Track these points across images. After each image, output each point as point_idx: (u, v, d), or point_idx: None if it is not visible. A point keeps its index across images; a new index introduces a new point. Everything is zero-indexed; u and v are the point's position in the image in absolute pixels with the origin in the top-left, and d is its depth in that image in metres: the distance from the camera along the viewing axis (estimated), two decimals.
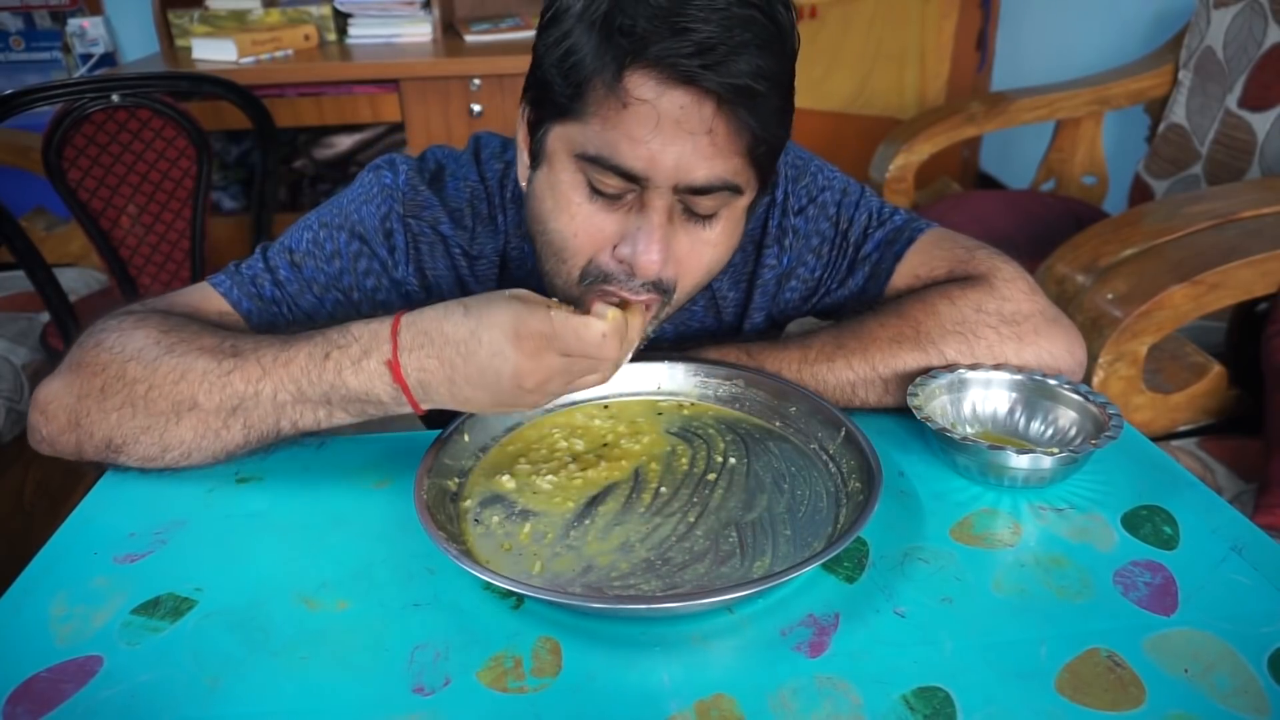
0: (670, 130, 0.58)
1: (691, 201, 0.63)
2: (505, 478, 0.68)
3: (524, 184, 0.70)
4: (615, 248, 0.64)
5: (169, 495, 0.70)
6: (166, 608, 0.58)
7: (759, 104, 0.60)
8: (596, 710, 0.50)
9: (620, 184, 0.61)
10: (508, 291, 0.60)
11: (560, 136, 0.63)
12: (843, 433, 0.69)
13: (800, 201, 0.82)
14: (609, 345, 0.60)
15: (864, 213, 0.82)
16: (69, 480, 1.81)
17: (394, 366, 0.59)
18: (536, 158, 0.67)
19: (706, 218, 0.65)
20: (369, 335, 0.60)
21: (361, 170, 0.79)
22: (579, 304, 0.65)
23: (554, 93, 0.61)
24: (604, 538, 0.62)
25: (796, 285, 0.84)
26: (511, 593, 0.59)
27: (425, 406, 0.61)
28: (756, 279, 0.83)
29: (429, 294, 0.79)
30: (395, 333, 0.59)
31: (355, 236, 0.75)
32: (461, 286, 0.80)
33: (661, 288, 0.66)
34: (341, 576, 0.61)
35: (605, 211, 0.63)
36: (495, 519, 0.64)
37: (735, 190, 0.63)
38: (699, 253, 0.66)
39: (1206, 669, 0.52)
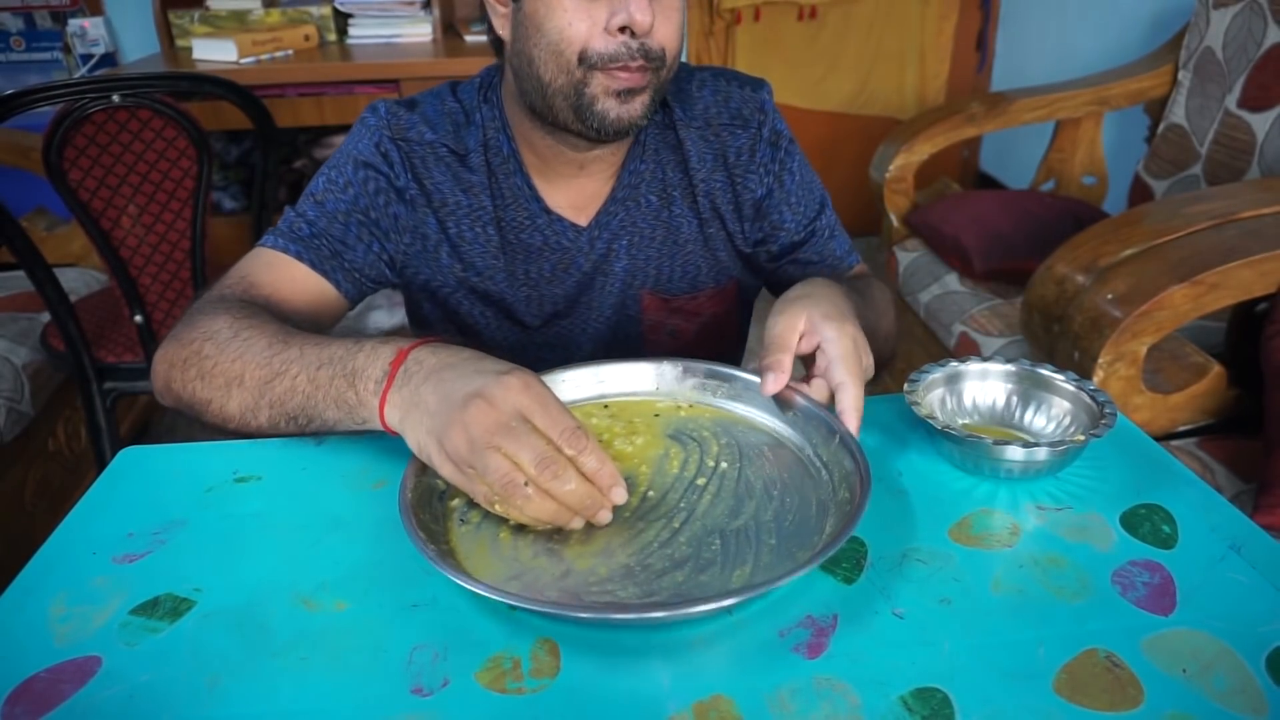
0: None
1: None
2: None
3: (503, 33, 0.82)
4: (607, 27, 0.74)
5: (168, 495, 0.70)
6: (165, 608, 0.58)
7: None
8: (595, 712, 0.50)
9: None
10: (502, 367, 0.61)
11: None
12: (836, 439, 0.68)
13: (792, 170, 0.94)
14: (575, 439, 0.57)
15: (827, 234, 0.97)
16: (69, 480, 1.81)
17: (402, 352, 0.63)
18: None
19: None
20: (406, 339, 0.65)
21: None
22: (580, 91, 0.76)
23: None
24: (585, 541, 0.61)
25: (772, 226, 0.95)
26: None
27: (389, 403, 0.63)
28: (742, 196, 0.93)
29: (429, 200, 0.87)
30: (427, 341, 0.64)
31: (359, 165, 0.85)
32: (460, 187, 0.88)
33: (650, 54, 0.75)
34: (340, 577, 0.61)
35: (590, 1, 0.74)
36: (478, 517, 0.64)
37: None
38: (671, 18, 0.77)
39: (1205, 669, 0.52)
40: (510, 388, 0.57)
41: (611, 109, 0.77)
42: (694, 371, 0.78)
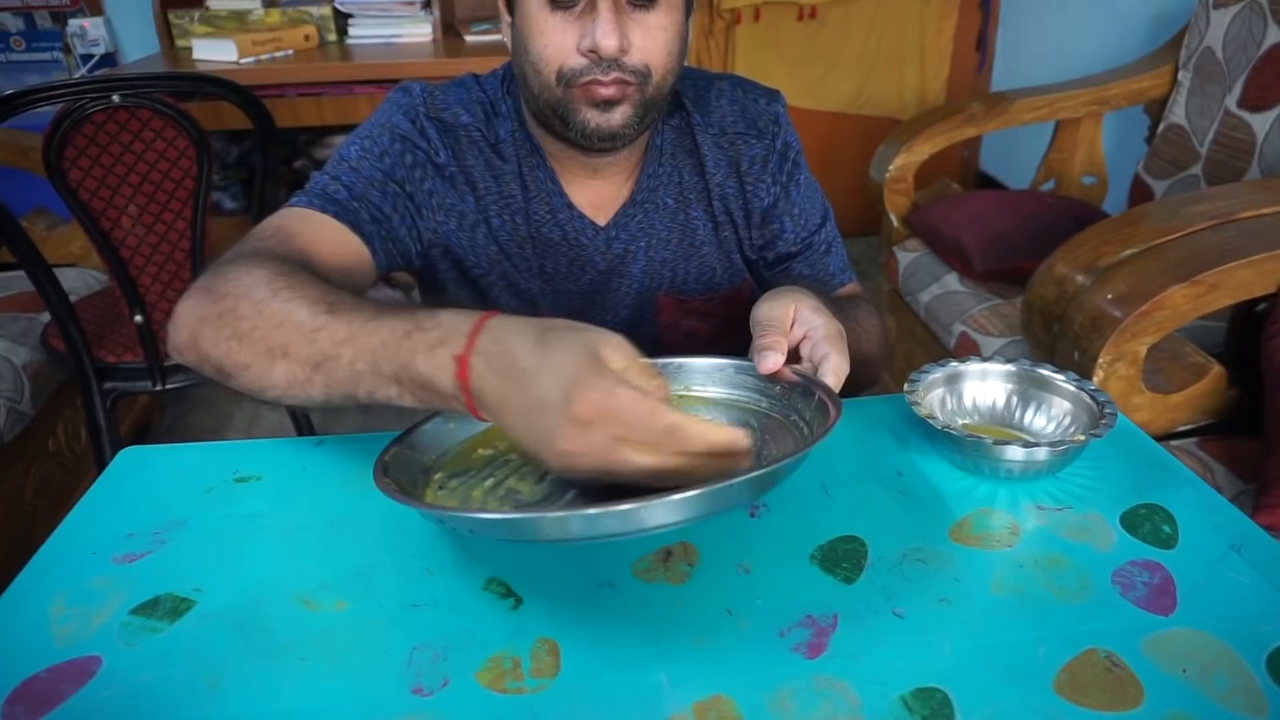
0: None
1: None
2: (484, 450, 0.68)
3: (507, 42, 0.85)
4: (578, 47, 0.77)
5: (168, 495, 0.70)
6: (165, 608, 0.58)
7: None
8: (595, 711, 0.50)
9: None
10: (592, 334, 0.54)
11: None
12: (815, 398, 0.67)
13: (796, 185, 0.96)
14: (674, 438, 0.50)
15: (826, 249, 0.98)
16: (69, 480, 1.81)
17: (462, 363, 0.55)
18: (510, 5, 0.82)
19: (648, 4, 0.77)
20: (450, 325, 0.57)
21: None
22: (563, 105, 0.79)
23: None
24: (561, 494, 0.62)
25: (773, 234, 0.96)
26: (511, 593, 0.59)
27: (482, 414, 0.57)
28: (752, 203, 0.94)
29: (469, 179, 0.88)
30: (475, 332, 0.56)
31: (396, 138, 0.85)
32: (491, 173, 0.88)
33: (630, 70, 0.77)
34: (340, 577, 0.61)
35: (565, 21, 0.77)
36: (455, 483, 0.65)
37: None
38: (654, 37, 0.78)
39: (1205, 669, 0.52)
40: (584, 423, 0.50)
41: (591, 119, 0.79)
42: (656, 366, 0.77)
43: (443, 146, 0.86)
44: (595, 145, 0.81)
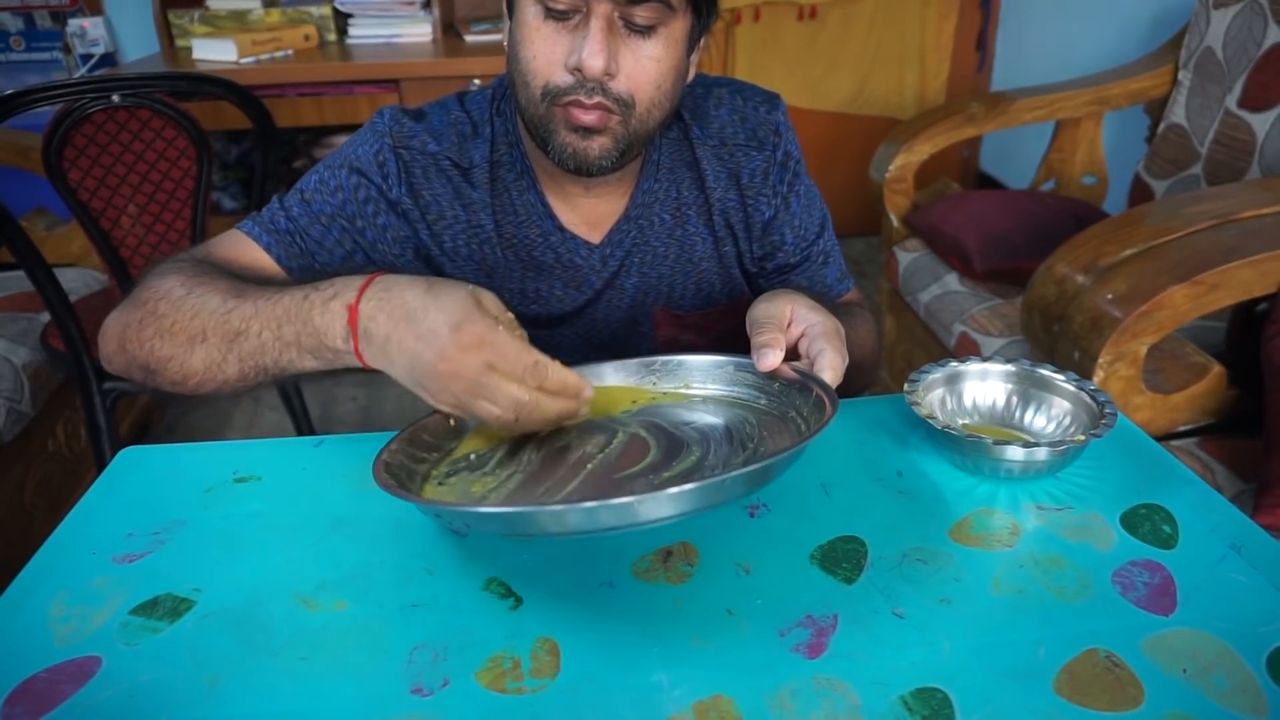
0: None
1: (629, 13, 0.73)
2: (484, 445, 0.69)
3: (506, 44, 0.82)
4: (567, 62, 0.74)
5: (168, 495, 0.70)
6: (165, 608, 0.58)
7: None
8: (595, 711, 0.50)
9: (567, 1, 0.72)
10: (473, 287, 0.64)
11: None
12: (813, 395, 0.67)
13: (797, 195, 0.95)
14: (537, 373, 0.62)
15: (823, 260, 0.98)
16: (69, 480, 1.81)
17: (352, 310, 0.63)
18: (510, 8, 0.79)
19: (645, 31, 0.74)
20: (344, 283, 0.66)
21: None
22: (545, 124, 0.76)
23: None
24: (560, 488, 0.62)
25: (773, 246, 0.95)
26: (511, 593, 0.59)
27: (365, 356, 0.64)
28: (752, 218, 0.93)
29: (424, 214, 0.86)
30: (366, 285, 0.64)
31: (354, 171, 0.85)
32: (460, 202, 0.87)
33: (613, 97, 0.75)
34: (340, 577, 0.61)
35: (557, 33, 0.74)
36: (455, 480, 0.65)
37: (667, 6, 0.73)
38: (644, 66, 0.75)
39: (1205, 669, 0.52)
40: (466, 348, 0.60)
41: (570, 143, 0.76)
42: (655, 365, 0.78)
43: (398, 181, 0.85)
44: (574, 171, 0.79)
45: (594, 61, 0.72)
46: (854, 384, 0.82)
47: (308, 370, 0.67)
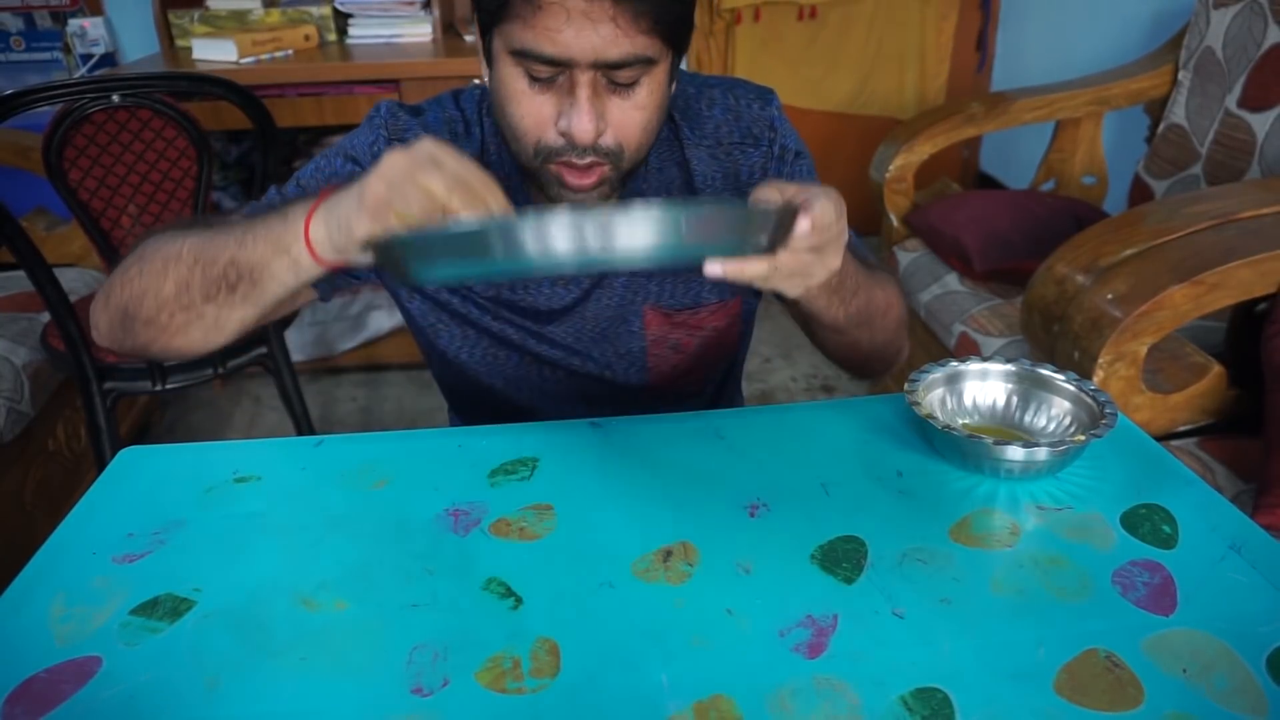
0: (580, 21, 0.69)
1: (612, 75, 0.73)
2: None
3: (487, 84, 0.82)
4: (557, 125, 0.74)
5: (168, 495, 0.70)
6: (165, 608, 0.58)
7: None
8: (595, 711, 0.50)
9: (549, 69, 0.72)
10: None
11: (499, 37, 0.74)
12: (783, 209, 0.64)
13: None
14: (465, 168, 0.62)
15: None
16: (69, 480, 1.81)
17: (311, 209, 0.66)
18: (489, 61, 0.79)
19: (629, 86, 0.74)
20: (308, 198, 0.68)
21: None
22: (540, 175, 0.76)
23: (487, 2, 0.74)
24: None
25: None
26: (511, 593, 0.59)
27: (312, 221, 0.66)
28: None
29: None
30: (327, 192, 0.67)
31: (349, 159, 0.86)
32: None
33: (604, 152, 0.75)
34: (340, 577, 0.61)
35: (543, 95, 0.74)
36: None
37: (649, 61, 0.73)
38: (631, 117, 0.75)
39: (1205, 669, 0.52)
40: (423, 139, 0.62)
41: (565, 195, 0.78)
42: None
43: None
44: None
45: (583, 131, 0.72)
46: (870, 343, 0.82)
47: (266, 270, 0.68)
